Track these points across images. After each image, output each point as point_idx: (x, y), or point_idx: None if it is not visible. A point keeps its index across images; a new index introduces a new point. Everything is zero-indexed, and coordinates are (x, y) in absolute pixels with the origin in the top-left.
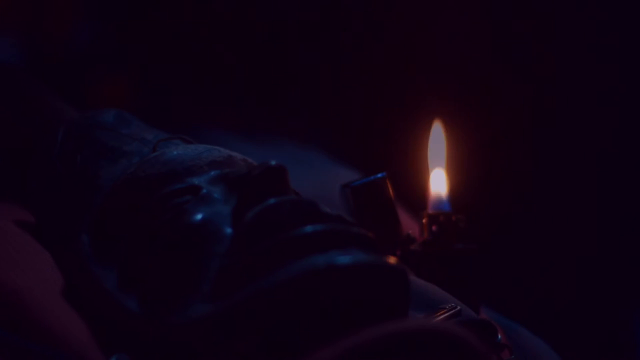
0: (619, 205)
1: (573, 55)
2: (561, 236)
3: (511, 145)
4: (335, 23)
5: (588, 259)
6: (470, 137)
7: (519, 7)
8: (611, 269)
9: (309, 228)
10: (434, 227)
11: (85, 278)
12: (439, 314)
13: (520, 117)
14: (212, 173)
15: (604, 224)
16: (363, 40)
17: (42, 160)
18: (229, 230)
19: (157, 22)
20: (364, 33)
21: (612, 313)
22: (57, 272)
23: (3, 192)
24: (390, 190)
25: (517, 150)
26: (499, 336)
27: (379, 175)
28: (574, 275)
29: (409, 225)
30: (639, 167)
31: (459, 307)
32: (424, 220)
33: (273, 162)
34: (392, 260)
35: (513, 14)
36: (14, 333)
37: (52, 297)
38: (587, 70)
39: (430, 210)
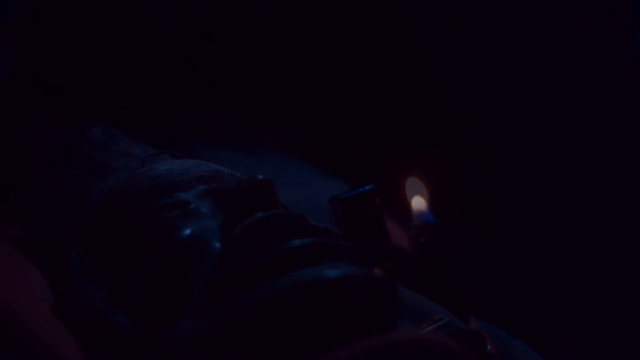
0: (613, 210)
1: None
2: (552, 244)
3: (493, 150)
4: (321, 31)
5: (580, 267)
6: (450, 144)
7: None
8: (605, 277)
9: (297, 242)
10: (422, 239)
11: (75, 294)
12: (427, 325)
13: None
14: (200, 188)
15: (598, 229)
16: (348, 48)
17: (32, 176)
18: (217, 244)
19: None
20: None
21: (606, 323)
22: (46, 288)
23: None
24: (378, 203)
25: (501, 154)
26: (488, 346)
27: (367, 187)
28: (566, 284)
29: (397, 237)
30: (632, 168)
31: (447, 318)
32: (411, 232)
33: (260, 177)
34: (380, 272)
35: None
36: (3, 349)
37: (42, 313)
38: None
39: (416, 222)
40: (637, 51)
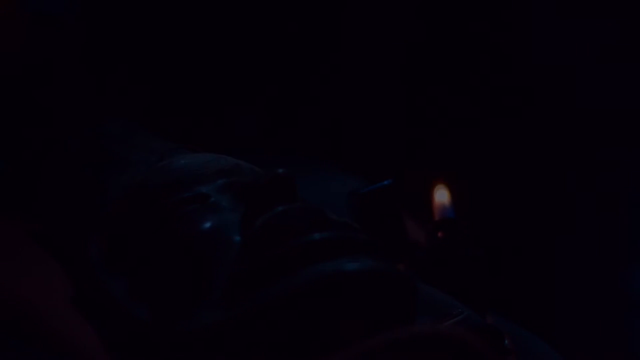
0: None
1: None
2: (570, 240)
3: (517, 147)
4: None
5: (600, 264)
6: (474, 142)
7: None
8: (625, 272)
9: (317, 235)
10: (439, 234)
11: (95, 286)
12: (445, 320)
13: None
14: (220, 181)
15: (619, 225)
16: (364, 47)
17: (52, 170)
18: (237, 238)
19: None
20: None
21: (625, 319)
22: (66, 281)
23: (13, 202)
24: (397, 198)
25: (523, 152)
26: (506, 341)
27: (386, 182)
28: (585, 280)
29: (416, 232)
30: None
31: (465, 313)
32: (430, 227)
33: (280, 170)
34: (399, 267)
35: None
36: (23, 342)
37: (62, 306)
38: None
39: (436, 217)
40: None
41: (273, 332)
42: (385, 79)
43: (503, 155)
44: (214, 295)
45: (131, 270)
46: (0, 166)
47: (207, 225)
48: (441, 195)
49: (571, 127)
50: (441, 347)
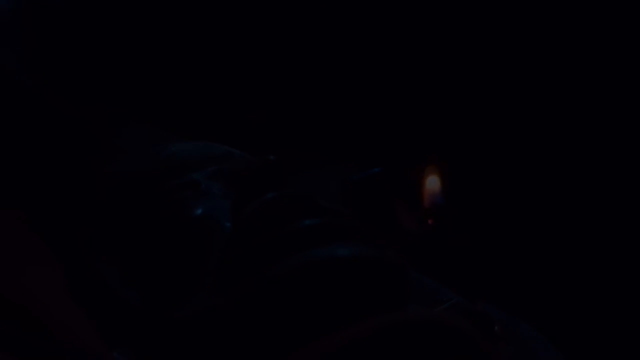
0: (623, 192)
1: None
2: (560, 227)
3: (509, 134)
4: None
5: (589, 249)
6: (466, 129)
7: None
8: (614, 260)
9: (307, 221)
10: (430, 221)
11: (87, 274)
12: (435, 306)
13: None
14: (211, 168)
15: (608, 209)
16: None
17: (43, 158)
18: (228, 224)
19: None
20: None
21: (616, 306)
22: (58, 268)
23: (4, 193)
24: (388, 185)
25: (515, 139)
26: (496, 327)
27: (377, 169)
28: (574, 266)
29: (407, 219)
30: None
31: (455, 299)
32: (420, 214)
33: (271, 157)
34: (390, 253)
35: None
36: (16, 329)
37: (54, 294)
38: None
39: (426, 204)
40: None
41: (263, 318)
42: (375, 67)
43: (494, 142)
44: (205, 281)
45: (122, 257)
46: None
47: (198, 211)
48: (432, 183)
49: (562, 114)
50: (431, 333)
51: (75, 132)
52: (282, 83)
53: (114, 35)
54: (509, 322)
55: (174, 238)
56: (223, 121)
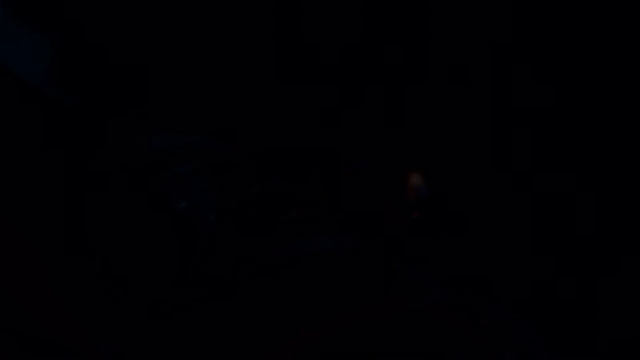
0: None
1: None
2: (542, 215)
3: (495, 127)
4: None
5: (574, 237)
6: (451, 124)
7: None
8: (595, 243)
9: (292, 214)
10: (415, 214)
11: (71, 268)
12: (421, 298)
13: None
14: (197, 162)
15: (597, 197)
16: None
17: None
18: (212, 217)
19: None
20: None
21: (592, 289)
22: (43, 264)
23: None
24: (374, 178)
25: (501, 132)
26: (481, 317)
27: (362, 162)
28: (564, 257)
29: (392, 212)
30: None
31: (441, 291)
32: (405, 207)
33: (256, 151)
34: (374, 245)
35: None
36: (2, 327)
37: (39, 289)
38: None
39: (411, 198)
40: None
41: (246, 310)
42: (365, 64)
43: (480, 136)
44: (189, 273)
45: (107, 251)
46: None
47: (183, 204)
48: (417, 177)
49: (548, 106)
50: (417, 325)
51: (64, 124)
52: (274, 79)
53: (114, 35)
54: (495, 313)
55: (159, 230)
56: (213, 115)
